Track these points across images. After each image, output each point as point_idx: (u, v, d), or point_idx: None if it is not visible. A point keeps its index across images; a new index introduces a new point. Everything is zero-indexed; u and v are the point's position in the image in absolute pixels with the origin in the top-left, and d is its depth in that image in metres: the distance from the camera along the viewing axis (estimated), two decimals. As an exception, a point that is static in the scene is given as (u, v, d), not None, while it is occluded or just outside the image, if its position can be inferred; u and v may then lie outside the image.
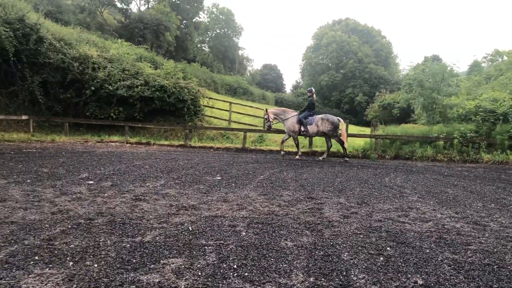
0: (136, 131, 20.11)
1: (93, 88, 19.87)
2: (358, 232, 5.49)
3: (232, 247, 4.64)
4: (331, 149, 15.82)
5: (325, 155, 15.50)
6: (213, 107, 23.22)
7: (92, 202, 6.56)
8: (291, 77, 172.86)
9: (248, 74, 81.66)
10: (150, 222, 5.55)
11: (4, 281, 3.53)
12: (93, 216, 5.72)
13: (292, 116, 15.30)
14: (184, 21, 56.59)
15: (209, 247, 4.61)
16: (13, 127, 18.61)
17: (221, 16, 71.30)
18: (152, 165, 11.30)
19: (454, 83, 19.84)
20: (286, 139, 15.78)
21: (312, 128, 15.06)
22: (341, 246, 4.88)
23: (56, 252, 4.26)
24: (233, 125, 21.69)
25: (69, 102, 20.46)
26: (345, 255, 4.55)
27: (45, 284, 3.51)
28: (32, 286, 3.47)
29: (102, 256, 4.21)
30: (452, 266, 4.34)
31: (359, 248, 4.82)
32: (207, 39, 71.89)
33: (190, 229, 5.29)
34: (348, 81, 65.51)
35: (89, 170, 9.80)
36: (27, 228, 5.04)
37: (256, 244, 4.79)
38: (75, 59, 20.40)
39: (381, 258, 4.49)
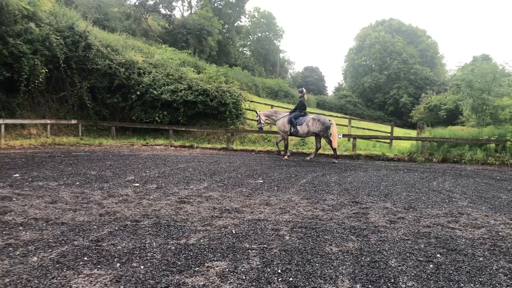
0: (179, 135, 20.46)
1: (138, 92, 20.39)
2: (406, 238, 5.32)
3: (276, 251, 4.60)
4: (322, 151, 15.85)
5: (312, 156, 15.38)
6: (254, 110, 23.28)
7: (138, 204, 6.71)
8: (333, 79, 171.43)
9: (289, 77, 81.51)
10: (194, 224, 5.60)
11: (56, 280, 3.64)
12: (139, 218, 5.84)
13: (283, 117, 15.43)
14: (226, 26, 57.24)
15: (253, 251, 4.59)
16: (63, 131, 19.37)
17: (262, 20, 71.61)
18: (195, 168, 11.44)
19: (506, 83, 18.95)
20: (281, 140, 15.89)
21: (302, 128, 15.06)
22: (388, 252, 4.74)
23: (104, 253, 4.37)
24: (275, 128, 21.66)
25: (115, 107, 21.09)
26: (392, 262, 4.42)
27: (94, 285, 3.60)
28: (82, 286, 3.56)
29: (148, 258, 4.28)
30: (509, 276, 4.12)
31: (407, 254, 4.67)
32: (249, 42, 72.35)
33: (234, 232, 5.29)
34: (392, 82, 64.09)
35: (135, 173, 10.03)
36: (76, 229, 5.20)
37: (300, 248, 4.74)
38: (121, 65, 21.01)
39: (431, 266, 4.33)
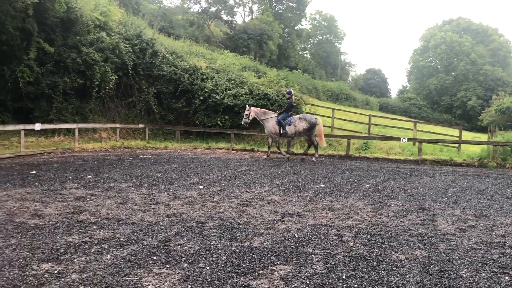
0: (240, 138, 20.74)
1: (201, 97, 20.91)
2: (478, 247, 5.06)
3: (340, 257, 4.55)
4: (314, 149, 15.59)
5: (316, 154, 15.49)
6: (315, 114, 23.12)
7: (202, 206, 6.88)
8: (397, 81, 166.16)
9: (351, 80, 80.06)
10: (257, 227, 5.66)
11: (127, 278, 3.83)
12: (204, 219, 5.99)
13: (271, 118, 15.29)
14: (287, 29, 57.32)
15: (316, 256, 4.57)
16: (131, 135, 20.27)
17: (323, 22, 70.98)
18: (256, 171, 11.55)
19: None
20: (271, 142, 15.70)
21: (290, 129, 15.12)
22: (459, 261, 4.54)
23: (171, 253, 4.53)
24: (336, 132, 21.39)
25: (180, 111, 21.76)
26: (463, 272, 4.23)
27: (163, 283, 3.74)
28: (152, 284, 3.72)
29: (214, 259, 4.38)
30: None
31: (480, 265, 4.44)
32: (309, 45, 71.97)
33: (296, 236, 5.29)
34: (460, 84, 61.08)
35: (199, 176, 10.30)
36: (145, 229, 5.43)
37: (365, 255, 4.65)
38: (185, 71, 21.65)
39: (507, 278, 4.09)
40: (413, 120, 28.11)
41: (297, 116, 15.62)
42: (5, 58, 15.75)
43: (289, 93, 15.62)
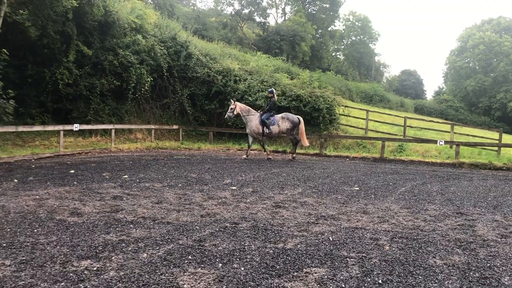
0: (273, 140, 20.72)
1: (234, 99, 21.04)
2: (521, 254, 4.87)
3: (375, 261, 4.47)
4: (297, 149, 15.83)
5: (294, 154, 15.63)
6: (348, 116, 22.86)
7: (236, 207, 6.91)
8: (433, 82, 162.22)
9: (385, 81, 78.77)
10: (291, 229, 5.64)
11: (164, 277, 3.88)
12: (237, 220, 6.01)
13: (254, 116, 15.07)
14: (320, 31, 56.95)
15: (351, 259, 4.51)
16: (165, 136, 20.62)
17: (357, 23, 70.14)
18: (289, 173, 11.51)
19: None
20: (252, 141, 15.66)
21: (274, 129, 15.00)
22: (500, 268, 4.38)
23: (206, 253, 4.57)
24: (370, 134, 21.09)
25: (213, 113, 21.96)
26: (505, 280, 4.08)
27: (199, 283, 3.77)
28: (187, 284, 3.75)
29: (248, 260, 4.39)
30: None
31: (523, 273, 4.27)
32: (342, 46, 71.25)
33: (331, 239, 5.24)
34: (499, 85, 59.04)
35: (232, 176, 10.35)
36: (180, 229, 5.49)
37: (402, 259, 4.56)
38: (219, 73, 21.85)
39: (552, 287, 3.92)
40: (450, 122, 27.39)
41: (280, 115, 15.44)
42: (46, 61, 16.31)
43: (271, 92, 15.44)
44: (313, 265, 4.31)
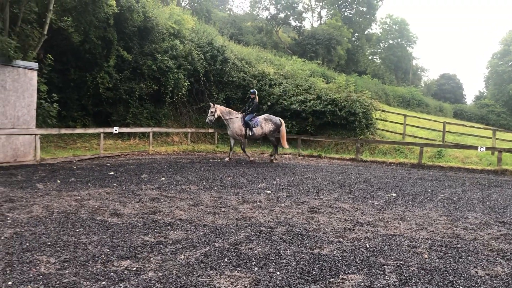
0: (307, 144, 20.64)
1: (269, 103, 21.10)
2: None
3: (413, 269, 4.39)
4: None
5: (276, 156, 15.54)
6: (385, 120, 22.49)
7: (270, 211, 6.93)
8: (473, 87, 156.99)
9: (423, 85, 77.00)
10: (326, 235, 5.61)
11: (201, 279, 3.94)
12: (272, 224, 6.03)
13: (236, 118, 14.67)
14: (356, 34, 56.36)
15: (389, 267, 4.44)
16: (201, 139, 20.90)
17: (394, 26, 68.97)
18: (324, 178, 11.43)
19: None
20: (234, 143, 15.38)
21: (257, 130, 14.78)
22: (547, 282, 4.21)
23: (242, 256, 4.60)
24: (408, 139, 20.66)
25: (247, 117, 22.11)
26: (552, 293, 3.91)
27: (235, 286, 3.81)
28: (224, 286, 3.80)
29: (283, 264, 4.39)
30: None
31: None
32: (379, 50, 70.22)
33: (367, 246, 5.18)
34: (545, 90, 56.69)
35: (266, 180, 10.38)
36: (216, 232, 5.56)
37: (441, 268, 4.45)
38: (254, 77, 21.99)
39: None
40: (491, 127, 26.47)
41: (262, 117, 15.23)
42: (88, 66, 16.87)
43: (253, 93, 15.14)
44: (349, 271, 4.27)
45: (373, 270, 4.32)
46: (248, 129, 14.67)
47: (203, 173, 11.31)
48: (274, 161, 15.17)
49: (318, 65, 35.55)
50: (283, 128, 15.27)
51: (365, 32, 60.04)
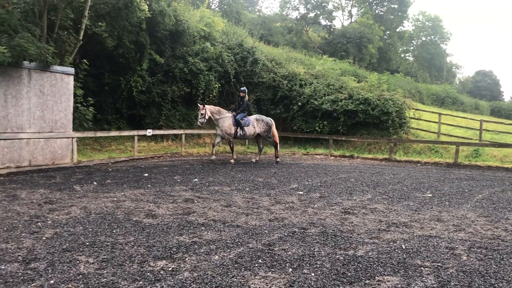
0: (339, 144, 20.44)
1: (300, 103, 21.01)
2: None
3: (452, 271, 4.28)
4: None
5: (258, 157, 15.17)
6: (419, 119, 21.99)
7: (303, 212, 6.90)
8: (511, 83, 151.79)
9: (458, 82, 75.09)
10: (361, 236, 5.54)
11: (235, 279, 3.96)
12: (306, 225, 6.00)
13: (226, 117, 14.14)
14: (387, 32, 55.43)
15: (426, 269, 4.35)
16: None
17: (427, 23, 67.51)
18: (357, 178, 11.29)
19: None
20: (218, 142, 14.94)
21: (249, 130, 14.41)
22: None
23: (276, 257, 4.60)
24: (443, 138, 20.16)
25: (278, 117, 22.04)
26: None
27: (270, 287, 3.81)
28: (259, 287, 3.80)
29: (318, 266, 4.37)
30: None
31: None
32: (411, 47, 68.87)
33: (403, 247, 5.08)
34: None
35: (298, 181, 10.34)
36: (249, 232, 5.58)
37: (481, 271, 4.32)
38: (284, 77, 21.95)
39: None
40: (532, 125, 25.47)
41: (254, 117, 14.92)
42: (121, 70, 17.22)
43: (243, 91, 14.82)
44: (385, 273, 4.20)
45: (410, 272, 4.24)
46: (239, 128, 14.27)
47: (235, 174, 11.37)
48: (255, 162, 14.78)
49: (349, 64, 35.13)
50: (274, 128, 15.17)
51: (397, 30, 58.98)
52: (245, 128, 14.34)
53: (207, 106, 14.20)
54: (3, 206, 6.70)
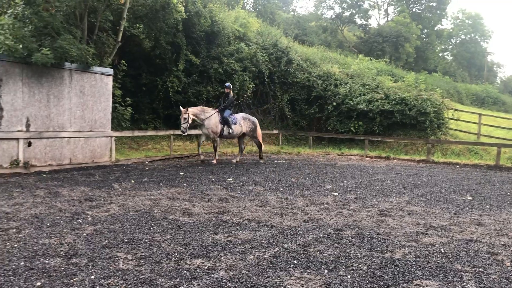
0: (374, 145, 20.12)
1: (334, 103, 20.81)
2: None
3: (494, 277, 4.15)
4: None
5: (238, 158, 14.45)
6: (458, 120, 21.39)
7: (338, 213, 6.84)
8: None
9: (499, 82, 72.43)
10: (398, 239, 5.44)
11: (271, 279, 3.97)
12: (341, 227, 5.94)
13: (212, 115, 13.35)
14: (425, 30, 54.14)
15: (467, 274, 4.23)
16: (265, 140, 21.01)
17: (467, 21, 65.49)
18: (393, 180, 11.09)
19: None
20: (203, 140, 14.25)
21: (236, 128, 13.79)
22: None
23: (311, 258, 4.58)
24: (483, 139, 19.53)
25: (312, 117, 21.95)
26: None
27: (305, 288, 3.80)
28: None
29: (354, 268, 4.32)
30: None
31: None
32: (450, 46, 66.99)
33: (442, 251, 4.96)
34: None
35: (333, 182, 10.24)
36: (284, 233, 5.57)
37: (526, 278, 4.16)
38: (319, 77, 21.81)
39: None
40: None
41: (240, 115, 14.37)
42: (158, 70, 17.57)
43: (228, 87, 14.00)
44: (423, 277, 4.11)
45: (450, 277, 4.14)
46: (226, 126, 13.56)
47: (269, 174, 11.38)
48: (235, 162, 13.98)
49: (385, 63, 34.53)
50: (259, 128, 14.67)
51: (435, 28, 57.48)
52: (233, 126, 13.67)
53: (190, 109, 13.20)
54: (45, 203, 6.96)
